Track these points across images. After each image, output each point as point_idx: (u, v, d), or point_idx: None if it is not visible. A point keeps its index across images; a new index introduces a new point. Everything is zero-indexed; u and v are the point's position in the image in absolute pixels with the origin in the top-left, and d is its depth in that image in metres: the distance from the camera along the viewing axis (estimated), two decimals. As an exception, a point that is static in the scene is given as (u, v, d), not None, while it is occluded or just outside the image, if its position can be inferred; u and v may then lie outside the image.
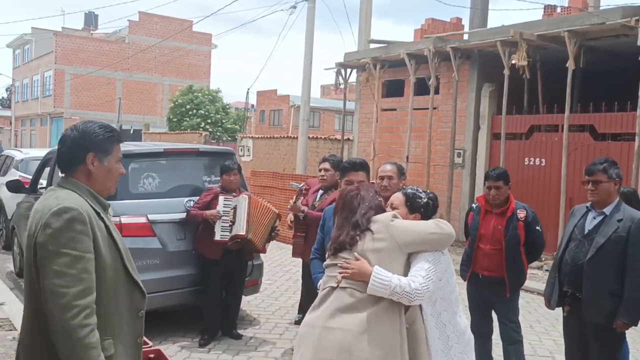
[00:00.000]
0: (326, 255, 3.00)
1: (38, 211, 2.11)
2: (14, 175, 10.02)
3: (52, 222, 2.02)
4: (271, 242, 5.61)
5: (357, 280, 2.78)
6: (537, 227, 4.49)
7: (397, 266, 2.83)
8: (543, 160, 10.52)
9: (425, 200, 3.15)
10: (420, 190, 3.21)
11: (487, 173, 4.66)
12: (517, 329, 4.53)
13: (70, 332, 1.96)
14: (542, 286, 7.78)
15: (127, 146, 6.48)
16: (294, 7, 15.31)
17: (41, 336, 2.07)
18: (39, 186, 7.40)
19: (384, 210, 3.03)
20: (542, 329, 6.38)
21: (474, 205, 4.71)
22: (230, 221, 5.30)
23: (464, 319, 3.12)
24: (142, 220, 5.38)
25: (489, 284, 4.46)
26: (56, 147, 2.29)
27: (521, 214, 4.44)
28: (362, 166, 3.87)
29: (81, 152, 2.18)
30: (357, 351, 2.66)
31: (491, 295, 4.50)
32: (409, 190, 3.19)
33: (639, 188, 8.42)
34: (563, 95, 9.81)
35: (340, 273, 2.82)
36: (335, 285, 2.81)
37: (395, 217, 2.95)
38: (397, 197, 3.18)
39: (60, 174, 2.35)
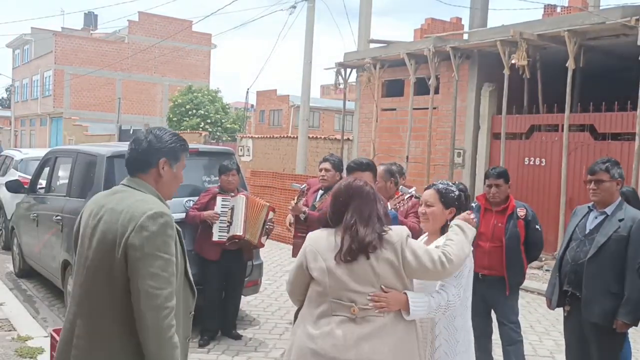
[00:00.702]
0: (337, 259, 2.61)
1: (120, 212, 2.15)
2: (13, 175, 10.02)
3: (148, 225, 2.08)
4: (268, 236, 5.56)
5: (393, 311, 2.62)
6: (537, 226, 4.52)
7: (400, 284, 2.65)
8: (543, 160, 10.50)
9: (457, 193, 3.13)
10: (451, 184, 3.20)
11: (487, 171, 4.69)
12: (517, 329, 4.52)
13: (161, 331, 2.04)
14: (542, 286, 7.80)
15: (126, 146, 6.48)
16: (294, 7, 15.31)
17: (115, 330, 2.11)
18: (38, 186, 7.38)
19: (387, 206, 2.91)
20: (543, 329, 6.37)
21: (473, 204, 4.71)
22: (228, 222, 5.30)
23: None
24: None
25: (489, 284, 4.45)
26: (126, 149, 2.36)
27: (521, 212, 4.47)
28: (369, 166, 3.81)
29: (155, 156, 2.27)
30: None
31: (490, 295, 4.49)
32: (441, 186, 3.15)
33: (639, 188, 8.40)
34: (563, 95, 9.80)
35: (377, 309, 2.58)
36: (352, 316, 2.56)
37: (409, 235, 2.73)
38: (431, 194, 3.12)
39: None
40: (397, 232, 2.68)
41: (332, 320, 2.58)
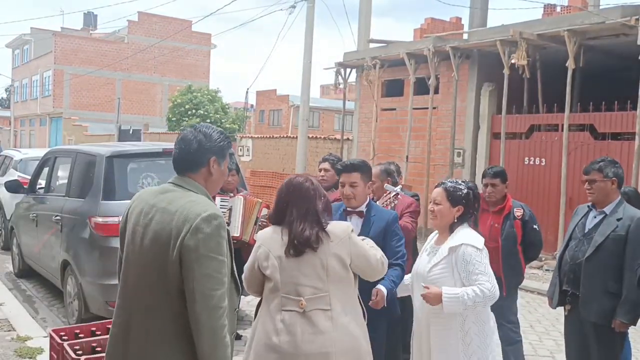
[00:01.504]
0: (286, 254, 2.71)
1: (173, 213, 2.16)
2: (12, 175, 10.01)
3: (203, 228, 2.11)
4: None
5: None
6: (535, 226, 4.51)
7: (347, 278, 2.78)
8: (543, 159, 10.50)
9: (465, 191, 3.19)
10: (460, 182, 3.25)
11: (484, 171, 4.69)
12: (516, 329, 4.51)
13: (215, 331, 2.08)
14: (542, 286, 7.80)
15: (125, 146, 6.47)
16: (293, 6, 15.28)
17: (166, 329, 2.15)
18: (37, 186, 7.37)
19: (331, 208, 2.98)
20: (543, 328, 6.37)
21: None
22: (226, 222, 5.27)
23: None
24: (141, 220, 5.34)
25: None
26: (172, 148, 2.37)
27: (518, 212, 4.46)
28: (355, 167, 3.59)
29: (205, 156, 2.29)
30: None
31: None
32: (449, 184, 3.22)
33: (639, 187, 8.40)
34: (563, 95, 9.80)
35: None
36: (301, 310, 2.67)
37: (353, 230, 2.87)
38: (439, 193, 3.22)
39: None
40: (342, 228, 2.81)
41: (284, 315, 2.67)
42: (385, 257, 2.94)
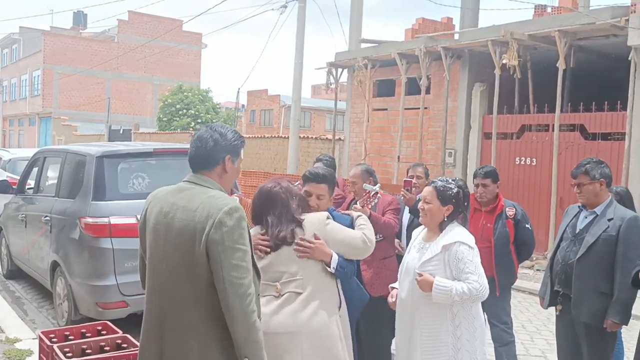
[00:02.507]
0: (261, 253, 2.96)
1: (194, 209, 2.27)
2: (1, 175, 9.92)
3: (226, 221, 2.23)
4: None
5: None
6: (527, 225, 4.50)
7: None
8: (534, 159, 10.54)
9: (455, 190, 3.21)
10: (450, 180, 3.28)
11: (475, 171, 4.69)
12: (509, 330, 4.51)
13: (247, 316, 2.21)
14: (533, 285, 7.82)
15: (116, 146, 6.42)
16: (285, 6, 15.25)
17: (207, 321, 2.26)
18: (26, 187, 7.30)
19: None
20: (534, 328, 6.39)
21: None
22: None
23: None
24: (132, 221, 5.30)
25: None
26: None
27: (510, 211, 4.45)
28: (325, 178, 3.43)
29: (221, 153, 2.41)
30: (305, 347, 2.83)
31: None
32: (439, 183, 3.25)
33: (629, 187, 8.45)
34: (553, 95, 9.85)
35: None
36: (276, 294, 2.90)
37: (328, 217, 3.10)
38: (429, 192, 3.25)
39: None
40: (318, 219, 3.04)
41: (262, 300, 2.81)
42: (369, 235, 3.15)
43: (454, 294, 3.02)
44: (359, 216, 3.38)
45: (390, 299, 3.43)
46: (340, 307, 3.09)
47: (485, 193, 4.49)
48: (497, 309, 4.47)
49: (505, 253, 4.42)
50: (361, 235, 3.13)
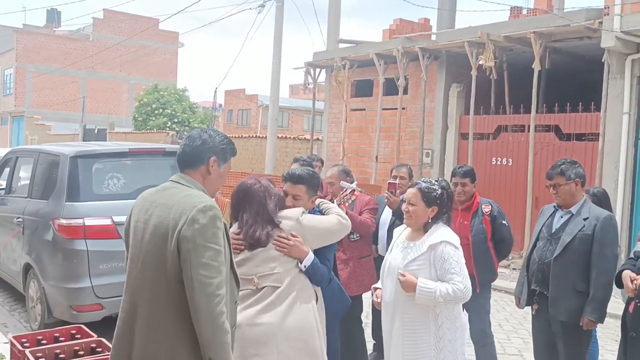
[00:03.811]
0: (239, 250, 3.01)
1: (171, 207, 2.27)
2: (-28, 176, 9.68)
3: (199, 218, 2.20)
4: None
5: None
6: (504, 222, 4.52)
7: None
8: (510, 160, 10.65)
9: (439, 192, 3.21)
10: (434, 182, 3.27)
11: (454, 170, 4.70)
12: (487, 329, 4.53)
13: (214, 318, 2.16)
14: (509, 284, 7.89)
15: (90, 146, 6.32)
16: (262, 6, 15.20)
17: (175, 320, 2.24)
18: (-2, 187, 7.14)
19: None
20: (511, 327, 6.44)
21: None
22: None
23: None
24: (107, 222, 5.24)
25: None
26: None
27: (486, 208, 4.48)
28: (301, 179, 3.31)
29: (206, 153, 2.41)
30: (281, 339, 2.87)
31: None
32: (423, 185, 3.24)
33: (602, 186, 8.58)
34: (529, 96, 9.96)
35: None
36: (254, 288, 2.93)
37: (304, 212, 3.11)
38: (413, 193, 3.24)
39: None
40: (292, 212, 3.07)
41: (241, 294, 2.81)
42: (341, 213, 3.22)
43: (438, 295, 3.03)
44: (320, 202, 3.40)
45: (375, 299, 3.43)
46: (317, 300, 3.12)
47: (463, 192, 4.50)
48: (476, 308, 4.44)
49: (483, 250, 4.44)
50: (334, 216, 3.19)
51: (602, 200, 4.56)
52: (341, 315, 3.69)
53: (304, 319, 2.95)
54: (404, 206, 3.29)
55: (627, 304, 3.43)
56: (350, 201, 4.34)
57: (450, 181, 4.63)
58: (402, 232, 3.39)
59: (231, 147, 2.50)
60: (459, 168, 4.65)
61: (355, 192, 4.42)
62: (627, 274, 3.36)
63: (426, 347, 3.11)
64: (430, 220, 3.22)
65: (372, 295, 3.55)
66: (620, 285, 3.47)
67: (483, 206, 4.49)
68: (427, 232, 3.21)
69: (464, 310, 4.59)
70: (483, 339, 4.49)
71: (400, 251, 3.28)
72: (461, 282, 3.07)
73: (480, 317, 4.49)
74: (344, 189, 4.36)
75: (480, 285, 4.42)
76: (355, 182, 4.62)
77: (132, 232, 2.41)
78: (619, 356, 3.53)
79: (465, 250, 4.35)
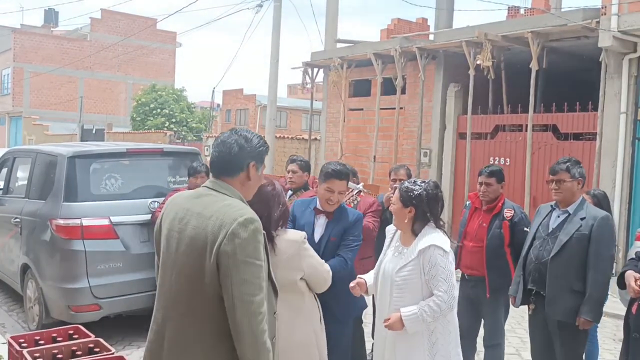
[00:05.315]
0: None
1: (208, 217, 2.14)
2: (-31, 176, 9.67)
3: (240, 232, 2.08)
4: None
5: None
6: (525, 228, 4.29)
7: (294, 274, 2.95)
8: (508, 159, 10.66)
9: (417, 192, 3.11)
10: (418, 182, 3.20)
11: (480, 169, 4.57)
12: (498, 332, 4.42)
13: (256, 337, 2.07)
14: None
15: (88, 146, 6.32)
16: (260, 5, 15.20)
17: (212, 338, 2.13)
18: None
19: (287, 215, 3.05)
20: (508, 326, 6.42)
21: (467, 203, 4.70)
22: None
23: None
24: (105, 222, 5.25)
25: (473, 284, 4.40)
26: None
27: (508, 213, 4.32)
28: (347, 175, 3.62)
29: (245, 160, 2.27)
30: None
31: (475, 295, 4.40)
32: (404, 185, 3.21)
33: (600, 186, 8.60)
34: (527, 96, 9.97)
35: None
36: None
37: (305, 238, 3.00)
38: (396, 193, 3.25)
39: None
40: (296, 235, 2.98)
41: None
42: (330, 272, 3.11)
43: (426, 316, 2.98)
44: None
45: (351, 284, 3.33)
46: (321, 320, 3.07)
47: (487, 192, 4.37)
48: (489, 311, 4.38)
49: (498, 255, 4.29)
50: (329, 269, 3.10)
51: (603, 202, 4.56)
52: (353, 317, 3.71)
53: (306, 338, 2.93)
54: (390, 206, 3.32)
55: (630, 304, 3.41)
56: (355, 202, 4.35)
57: (478, 180, 4.51)
58: (395, 233, 3.33)
59: (267, 147, 2.38)
60: (486, 167, 4.52)
61: (361, 193, 4.43)
62: (630, 274, 3.34)
63: (419, 352, 3.07)
64: (410, 222, 3.14)
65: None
66: (622, 286, 3.46)
67: (505, 210, 4.33)
68: (417, 235, 3.14)
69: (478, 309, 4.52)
70: (491, 340, 4.38)
71: (392, 255, 3.24)
72: (445, 291, 2.99)
73: (492, 320, 4.39)
74: (351, 190, 4.37)
75: (491, 290, 4.29)
76: (362, 184, 4.63)
77: (165, 240, 2.28)
78: (620, 357, 3.52)
79: (479, 252, 4.30)
